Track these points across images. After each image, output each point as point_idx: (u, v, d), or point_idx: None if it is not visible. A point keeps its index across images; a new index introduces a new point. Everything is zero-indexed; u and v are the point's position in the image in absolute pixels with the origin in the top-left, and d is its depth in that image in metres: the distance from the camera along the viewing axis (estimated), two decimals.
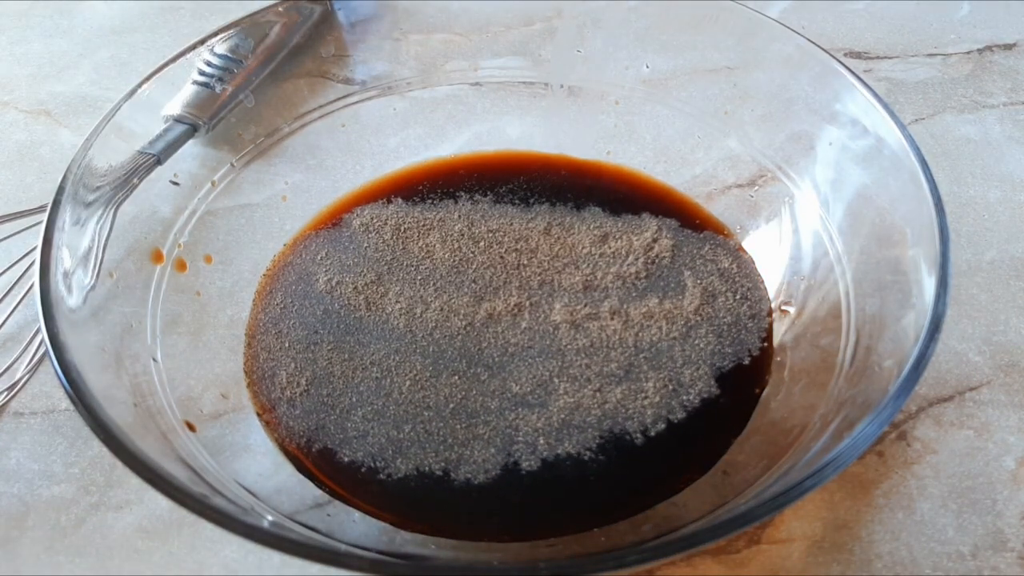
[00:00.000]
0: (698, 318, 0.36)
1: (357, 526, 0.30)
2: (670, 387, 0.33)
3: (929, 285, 0.27)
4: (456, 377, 0.34)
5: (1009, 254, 0.40)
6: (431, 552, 0.30)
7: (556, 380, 0.34)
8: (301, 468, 0.32)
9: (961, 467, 0.33)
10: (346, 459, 0.32)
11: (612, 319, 0.36)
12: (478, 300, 0.37)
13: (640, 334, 0.35)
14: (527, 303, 0.37)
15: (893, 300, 0.30)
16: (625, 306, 0.36)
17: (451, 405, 0.33)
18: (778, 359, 0.35)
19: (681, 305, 0.36)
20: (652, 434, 0.32)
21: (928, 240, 0.28)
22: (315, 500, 0.31)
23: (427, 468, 0.32)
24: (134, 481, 0.31)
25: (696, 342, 0.35)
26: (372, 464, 0.32)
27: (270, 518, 0.27)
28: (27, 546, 0.32)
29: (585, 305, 0.36)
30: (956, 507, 0.32)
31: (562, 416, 0.33)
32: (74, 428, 0.35)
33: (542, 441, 0.32)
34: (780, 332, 0.35)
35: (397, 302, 0.37)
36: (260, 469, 0.32)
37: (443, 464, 0.32)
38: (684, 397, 0.33)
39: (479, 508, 0.31)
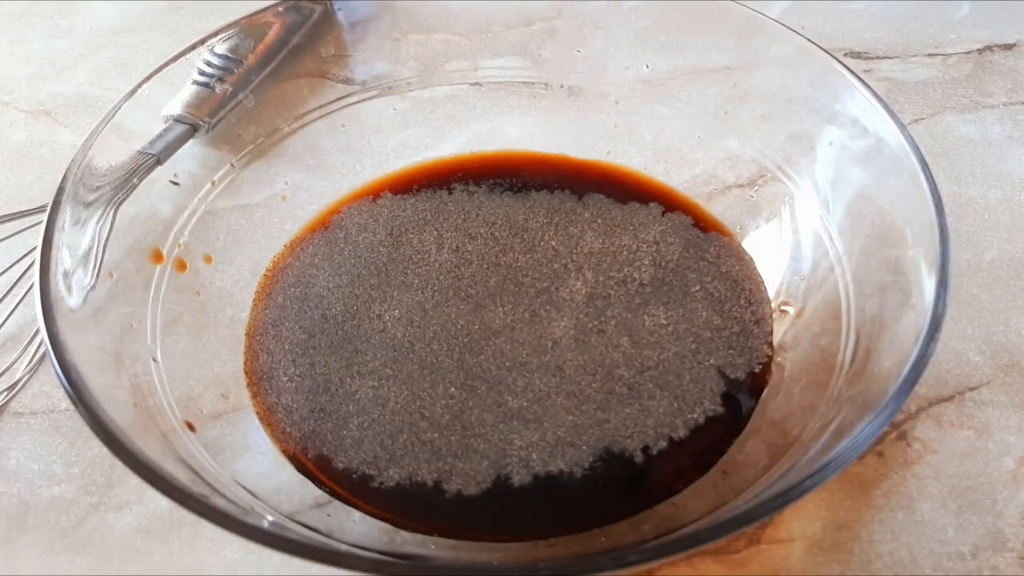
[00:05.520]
0: (708, 332, 0.35)
1: (357, 526, 0.30)
2: (675, 405, 0.33)
3: (929, 285, 0.27)
4: (453, 389, 0.34)
5: (1009, 254, 0.40)
6: (431, 552, 0.30)
7: (554, 396, 0.34)
8: (301, 469, 0.32)
9: (961, 467, 0.33)
10: (340, 466, 0.32)
11: (616, 334, 0.35)
12: (476, 308, 0.37)
13: (645, 352, 0.35)
14: (527, 316, 0.36)
15: (893, 300, 0.30)
16: (630, 319, 0.36)
17: (447, 417, 0.33)
18: (778, 359, 0.35)
19: (689, 317, 0.36)
20: (653, 452, 0.32)
21: (928, 240, 0.28)
22: (315, 500, 0.31)
23: (420, 478, 0.32)
24: (134, 481, 0.31)
25: (704, 358, 0.35)
26: (366, 471, 0.32)
27: (270, 518, 0.27)
28: (27, 546, 0.32)
29: (587, 317, 0.36)
30: (956, 507, 0.32)
31: (559, 433, 0.32)
32: (74, 428, 0.35)
33: (535, 456, 0.32)
34: (780, 332, 0.35)
35: (395, 308, 0.37)
36: (260, 469, 0.32)
37: (436, 475, 0.32)
38: (689, 416, 0.33)
39: (472, 516, 0.31)
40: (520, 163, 0.43)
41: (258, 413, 0.34)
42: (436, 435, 0.33)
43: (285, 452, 0.33)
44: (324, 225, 0.41)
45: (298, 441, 0.33)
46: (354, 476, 0.32)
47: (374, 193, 0.42)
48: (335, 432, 0.33)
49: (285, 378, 0.35)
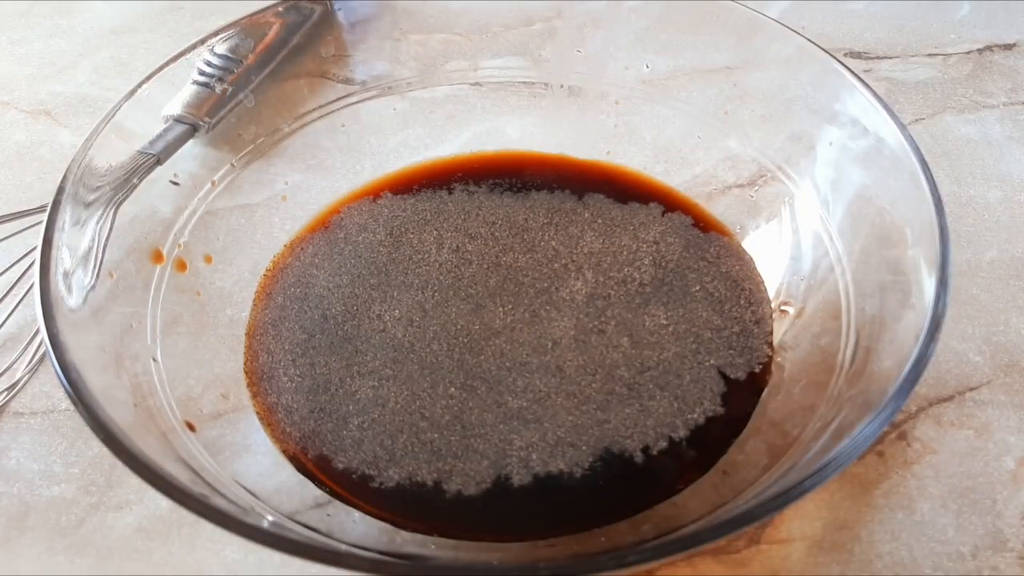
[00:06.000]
0: (708, 332, 0.35)
1: (357, 526, 0.30)
2: (675, 405, 0.33)
3: (929, 285, 0.27)
4: (453, 389, 0.34)
5: (1009, 254, 0.40)
6: (431, 552, 0.30)
7: (554, 396, 0.34)
8: (301, 469, 0.32)
9: (961, 467, 0.33)
10: (340, 466, 0.32)
11: (616, 334, 0.35)
12: (476, 308, 0.37)
13: (645, 352, 0.35)
14: (527, 316, 0.36)
15: (893, 300, 0.30)
16: (630, 319, 0.36)
17: (447, 417, 0.33)
18: (778, 359, 0.35)
19: (689, 317, 0.36)
20: (653, 452, 0.32)
21: (928, 240, 0.28)
22: (315, 500, 0.31)
23: (420, 478, 0.32)
24: (134, 481, 0.31)
25: (704, 358, 0.35)
26: (366, 471, 0.32)
27: (270, 518, 0.27)
28: (27, 546, 0.32)
29: (587, 317, 0.36)
30: (956, 507, 0.32)
31: (559, 433, 0.32)
32: (74, 428, 0.35)
33: (535, 457, 0.32)
34: (780, 332, 0.35)
35: (395, 308, 0.37)
36: (260, 469, 0.32)
37: (435, 475, 0.32)
38: (689, 416, 0.33)
39: (472, 516, 0.31)
40: (520, 163, 0.43)
41: (258, 413, 0.34)
42: (436, 435, 0.33)
43: (285, 452, 0.33)
44: (324, 225, 0.41)
45: (298, 441, 0.33)
46: (354, 476, 0.32)
47: (374, 193, 0.42)
48: (335, 432, 0.33)
49: (285, 378, 0.35)
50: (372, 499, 0.31)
